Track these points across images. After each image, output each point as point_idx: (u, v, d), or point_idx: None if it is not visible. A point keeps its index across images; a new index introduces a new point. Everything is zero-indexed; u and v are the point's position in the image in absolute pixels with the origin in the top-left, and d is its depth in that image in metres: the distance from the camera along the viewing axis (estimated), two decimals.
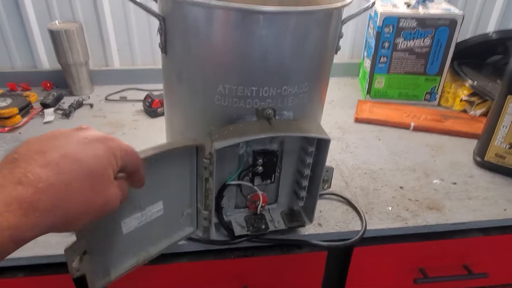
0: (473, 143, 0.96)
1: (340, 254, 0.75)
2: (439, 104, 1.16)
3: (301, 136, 0.58)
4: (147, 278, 0.68)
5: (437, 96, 1.16)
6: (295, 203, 0.66)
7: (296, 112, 0.58)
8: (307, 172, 0.59)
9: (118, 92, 1.19)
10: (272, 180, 0.61)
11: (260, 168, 0.59)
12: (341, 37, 0.60)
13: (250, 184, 0.61)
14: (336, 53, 0.61)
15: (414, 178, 0.82)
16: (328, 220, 0.69)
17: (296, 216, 0.65)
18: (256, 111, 0.55)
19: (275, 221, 0.65)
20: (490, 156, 0.84)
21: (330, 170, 0.63)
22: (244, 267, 0.69)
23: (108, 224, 0.48)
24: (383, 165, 0.87)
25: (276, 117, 0.56)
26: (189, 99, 0.57)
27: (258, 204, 0.63)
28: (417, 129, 1.02)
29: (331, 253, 0.72)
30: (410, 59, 1.11)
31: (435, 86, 1.14)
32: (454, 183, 0.81)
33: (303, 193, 0.62)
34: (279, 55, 0.52)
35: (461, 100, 1.09)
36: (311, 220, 0.64)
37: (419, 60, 1.11)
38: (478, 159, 0.86)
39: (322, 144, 0.57)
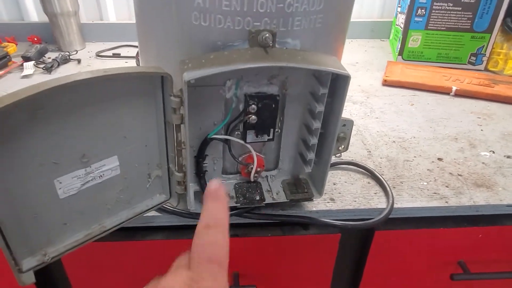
0: None
1: (358, 238, 0.60)
2: (486, 69, 0.97)
3: (308, 71, 0.42)
4: (109, 257, 0.55)
5: (484, 59, 0.96)
6: (301, 170, 0.51)
7: (304, 41, 0.42)
8: (317, 125, 0.44)
9: (112, 48, 1.05)
10: (271, 136, 0.46)
11: (254, 117, 0.43)
12: None
13: (242, 141, 0.46)
14: None
15: (457, 149, 0.65)
16: (344, 195, 0.54)
17: (302, 187, 0.50)
18: (249, 34, 0.40)
19: (274, 191, 0.50)
20: None
21: (348, 123, 0.47)
22: (234, 249, 0.55)
23: (34, 180, 0.34)
24: (417, 133, 0.70)
25: (277, 45, 0.40)
26: (159, 19, 0.42)
27: (252, 168, 0.48)
28: (459, 94, 0.84)
29: (345, 236, 0.57)
30: (454, 11, 0.92)
31: (483, 46, 0.95)
32: (508, 157, 0.63)
33: (311, 155, 0.47)
34: None
35: None
36: (320, 192, 0.49)
37: (465, 13, 0.92)
38: None
39: (338, 85, 0.41)
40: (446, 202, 0.53)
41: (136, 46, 1.07)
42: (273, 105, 0.44)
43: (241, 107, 0.44)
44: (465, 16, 0.92)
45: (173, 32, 0.42)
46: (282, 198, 0.49)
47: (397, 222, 0.56)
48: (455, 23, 0.93)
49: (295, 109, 0.46)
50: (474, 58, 0.96)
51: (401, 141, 0.67)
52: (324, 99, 0.42)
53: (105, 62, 0.99)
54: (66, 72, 0.91)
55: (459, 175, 0.58)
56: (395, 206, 0.52)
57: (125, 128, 0.39)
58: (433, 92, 0.85)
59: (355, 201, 0.53)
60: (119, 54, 1.02)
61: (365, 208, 0.52)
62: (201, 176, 0.48)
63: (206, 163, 0.48)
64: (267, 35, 0.39)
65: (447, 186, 0.56)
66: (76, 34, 1.03)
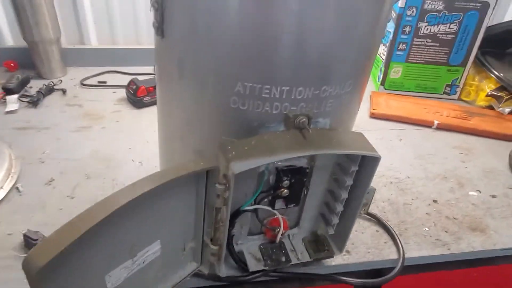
0: (504, 146, 0.85)
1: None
2: (459, 99, 1.05)
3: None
4: None
5: (458, 89, 1.04)
6: (320, 227, 0.54)
7: (333, 118, 0.45)
8: (344, 195, 0.47)
9: (96, 75, 1.02)
10: (298, 203, 0.48)
11: (286, 191, 0.45)
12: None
13: (270, 208, 0.48)
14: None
15: (448, 189, 0.71)
16: (357, 246, 0.57)
17: (322, 244, 0.53)
18: (285, 118, 0.42)
19: (298, 251, 0.52)
20: None
21: (371, 191, 0.51)
22: None
23: (87, 282, 0.34)
24: (410, 171, 0.75)
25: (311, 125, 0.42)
26: (193, 99, 0.43)
27: (278, 231, 0.50)
28: (440, 127, 0.90)
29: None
30: (433, 47, 0.98)
31: (457, 78, 1.02)
32: (494, 196, 0.70)
33: (335, 220, 0.49)
34: (322, 39, 0.37)
35: (487, 95, 0.98)
36: (341, 249, 0.52)
37: (442, 48, 0.98)
38: None
39: (367, 162, 0.44)
40: (449, 249, 0.58)
41: (121, 72, 1.04)
42: (304, 178, 0.46)
43: (271, 178, 0.46)
44: (442, 51, 0.99)
45: (208, 112, 0.43)
46: (306, 257, 0.51)
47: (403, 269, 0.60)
48: (433, 57, 1.00)
49: (321, 178, 0.48)
50: (449, 89, 1.04)
51: (398, 182, 0.72)
52: (353, 174, 0.45)
53: (91, 91, 0.95)
54: (52, 105, 0.87)
55: (454, 218, 0.64)
56: (406, 256, 0.56)
57: (169, 215, 0.39)
58: (417, 125, 0.91)
59: (368, 252, 0.56)
60: (105, 82, 0.99)
61: (378, 260, 0.55)
62: (229, 242, 0.49)
63: (235, 229, 0.49)
64: (303, 119, 0.41)
65: (446, 231, 0.61)
66: (57, 61, 0.99)
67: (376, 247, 0.57)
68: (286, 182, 0.45)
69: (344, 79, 0.42)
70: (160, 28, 0.42)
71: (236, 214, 0.47)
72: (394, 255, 0.56)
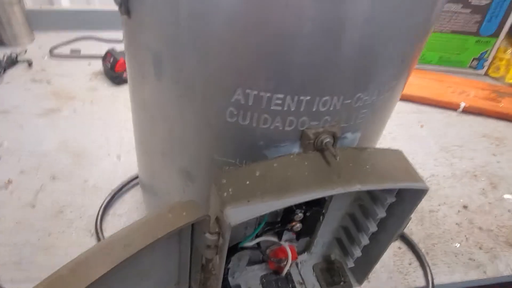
0: None
1: None
2: (486, 74, 0.92)
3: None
4: None
5: (486, 64, 0.91)
6: (334, 251, 0.44)
7: (364, 131, 0.33)
8: (372, 228, 0.36)
9: (68, 42, 0.87)
10: (312, 236, 0.38)
11: (299, 225, 0.35)
12: None
13: (276, 240, 0.37)
14: None
15: (479, 191, 0.61)
16: (376, 269, 0.48)
17: (338, 274, 0.43)
18: (303, 136, 0.30)
19: (308, 283, 0.43)
20: None
21: (407, 221, 0.40)
22: None
23: None
24: (434, 168, 0.64)
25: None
26: (176, 107, 0.31)
27: (285, 264, 0.40)
28: (467, 110, 0.79)
29: None
30: (463, 14, 0.84)
31: (487, 51, 0.89)
32: None
33: (357, 253, 0.39)
34: (365, 30, 0.25)
35: None
36: (361, 282, 0.43)
37: (473, 15, 0.84)
38: None
39: (408, 192, 0.33)
40: (484, 272, 0.49)
41: (97, 39, 0.90)
42: (322, 210, 0.35)
43: (280, 210, 0.35)
44: (473, 19, 0.85)
45: (195, 125, 0.31)
46: None
47: None
48: (462, 26, 0.86)
49: (342, 202, 0.38)
50: (476, 63, 0.91)
51: None
52: (387, 206, 0.34)
53: (62, 63, 0.81)
54: (14, 81, 0.74)
55: (489, 230, 0.55)
56: (435, 282, 0.47)
57: (148, 271, 0.29)
58: (440, 107, 0.79)
59: (390, 277, 0.47)
60: (79, 51, 0.85)
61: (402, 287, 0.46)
62: (224, 278, 0.39)
63: (231, 262, 0.39)
64: (327, 140, 0.29)
65: (480, 248, 0.52)
66: (21, 25, 0.83)
67: (399, 271, 0.48)
68: (299, 216, 0.34)
69: (385, 83, 0.30)
70: (124, 4, 0.29)
71: (232, 251, 0.36)
72: (420, 281, 0.47)
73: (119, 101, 0.71)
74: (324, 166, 0.29)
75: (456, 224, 0.55)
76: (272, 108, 0.28)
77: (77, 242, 0.47)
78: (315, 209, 0.34)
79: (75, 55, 0.83)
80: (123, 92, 0.74)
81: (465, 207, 0.58)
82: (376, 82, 0.29)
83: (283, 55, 0.25)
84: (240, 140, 0.30)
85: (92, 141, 0.61)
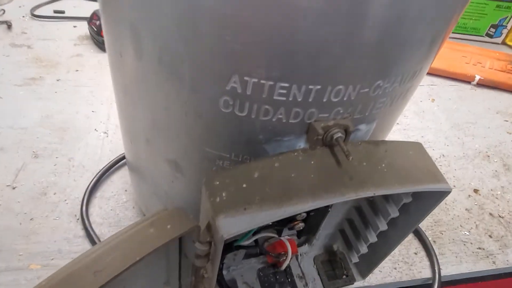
0: None
1: None
2: (503, 43, 0.86)
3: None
4: None
5: (504, 31, 0.84)
6: (337, 241, 0.41)
7: (380, 122, 0.29)
8: (382, 227, 0.33)
9: (51, 1, 0.80)
10: (315, 234, 0.35)
11: (301, 224, 0.31)
12: None
13: (275, 235, 0.34)
14: None
15: (491, 174, 0.57)
16: None
17: (340, 266, 0.41)
18: (310, 130, 0.25)
19: (308, 277, 0.40)
20: None
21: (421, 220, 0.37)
22: None
23: None
24: (445, 148, 0.60)
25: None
26: (160, 93, 0.26)
27: (284, 259, 0.37)
28: (481, 83, 0.73)
29: None
30: None
31: (506, 17, 0.82)
32: None
33: (363, 249, 0.36)
34: (389, 8, 0.20)
35: None
36: (364, 276, 0.40)
37: None
38: None
39: (426, 193, 0.29)
40: (494, 262, 0.46)
41: None
42: (328, 209, 0.31)
43: None
44: None
45: (183, 115, 0.26)
46: (318, 286, 0.39)
47: None
48: None
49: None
50: (493, 30, 0.84)
51: None
52: (400, 205, 0.30)
53: (44, 25, 0.74)
54: None
55: (500, 216, 0.52)
56: (442, 273, 0.44)
57: (128, 282, 0.25)
58: (453, 79, 0.74)
59: (395, 268, 0.45)
60: (63, 12, 0.78)
61: (408, 279, 0.44)
62: (219, 272, 0.36)
63: (226, 257, 0.36)
64: (339, 135, 0.25)
65: (490, 236, 0.49)
66: None
67: (405, 261, 0.45)
68: (302, 215, 0.30)
69: (410, 68, 0.25)
70: None
71: (228, 249, 0.33)
72: (427, 272, 0.45)
73: (107, 69, 0.66)
74: (334, 166, 0.25)
75: (466, 209, 0.52)
76: (275, 98, 0.23)
77: (61, 227, 0.44)
78: (320, 208, 0.30)
79: (59, 15, 0.76)
80: None
81: (476, 191, 0.54)
82: (399, 68, 0.24)
83: (291, 35, 0.20)
84: (236, 133, 0.26)
85: (77, 115, 0.57)
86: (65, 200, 0.46)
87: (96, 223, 0.44)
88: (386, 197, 0.31)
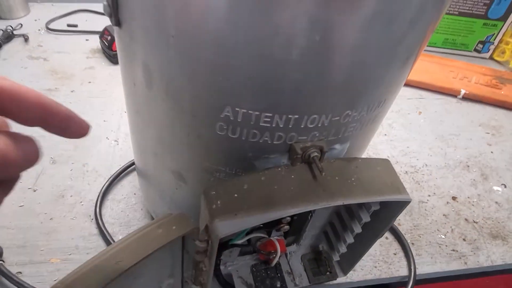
0: None
1: None
2: (490, 57, 0.91)
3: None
4: None
5: (491, 47, 0.89)
6: (322, 242, 0.46)
7: (354, 142, 0.34)
8: (357, 230, 0.38)
9: (65, 15, 0.85)
10: (299, 236, 0.40)
11: (286, 227, 0.36)
12: None
13: (265, 236, 0.39)
14: None
15: (469, 182, 0.62)
16: (363, 258, 0.50)
17: (324, 264, 0.46)
18: (291, 149, 0.31)
19: (295, 273, 0.45)
20: None
21: (390, 225, 0.42)
22: None
23: None
24: (428, 158, 0.65)
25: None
26: (166, 116, 0.31)
27: (274, 256, 0.42)
28: (467, 97, 0.78)
29: None
30: None
31: (493, 34, 0.87)
32: None
33: (343, 249, 0.41)
34: (356, 57, 0.25)
35: None
36: (346, 272, 0.45)
37: None
38: None
39: (393, 202, 0.34)
40: (465, 263, 0.51)
41: (95, 12, 0.88)
42: (310, 214, 0.36)
43: None
44: (482, 1, 0.82)
45: (185, 135, 0.31)
46: (304, 281, 0.45)
47: None
48: (470, 8, 0.83)
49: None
50: (481, 46, 0.89)
51: (414, 172, 0.63)
52: (371, 211, 0.36)
53: (59, 38, 0.80)
54: (11, 57, 0.73)
55: (474, 222, 0.56)
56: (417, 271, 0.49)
57: (140, 273, 0.31)
58: (440, 93, 0.79)
59: (375, 267, 0.50)
60: (76, 25, 0.83)
61: (386, 277, 0.49)
62: (216, 268, 0.42)
63: (223, 254, 0.41)
64: (315, 154, 0.30)
65: (464, 239, 0.54)
66: None
67: (385, 260, 0.50)
68: (287, 219, 0.35)
69: (374, 100, 0.30)
70: (115, 15, 0.28)
71: (223, 247, 0.38)
72: (404, 270, 0.50)
73: (117, 81, 0.71)
74: (310, 179, 0.30)
75: (444, 215, 0.57)
76: (261, 124, 0.28)
77: (78, 226, 0.49)
78: (302, 214, 0.36)
79: (72, 29, 0.82)
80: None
81: (454, 198, 0.59)
82: (365, 101, 0.29)
83: (272, 78, 0.25)
84: (230, 151, 0.31)
85: (90, 124, 0.62)
86: (81, 202, 0.52)
87: (109, 223, 0.49)
88: (360, 205, 0.36)
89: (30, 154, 0.20)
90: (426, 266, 0.51)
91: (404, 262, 0.51)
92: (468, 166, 0.65)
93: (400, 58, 0.28)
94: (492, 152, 0.68)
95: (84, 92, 0.68)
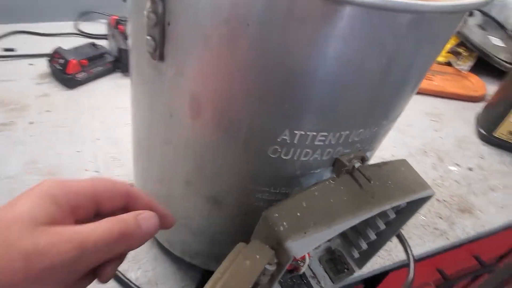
0: (470, 108, 0.87)
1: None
2: None
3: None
4: None
5: None
6: (334, 242, 0.49)
7: (375, 147, 0.37)
8: (382, 227, 0.41)
9: None
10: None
11: None
12: None
13: None
14: None
15: (431, 166, 0.71)
16: None
17: (341, 262, 0.49)
18: (336, 163, 0.33)
19: (319, 276, 0.47)
20: (501, 133, 0.75)
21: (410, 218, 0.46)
22: None
23: None
24: (393, 149, 0.72)
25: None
26: (212, 146, 0.31)
27: (303, 264, 0.44)
28: None
29: None
30: None
31: None
32: (470, 169, 0.72)
33: (364, 245, 0.45)
34: (406, 72, 0.28)
35: (447, 51, 0.97)
36: (361, 266, 0.49)
37: None
38: (484, 132, 0.78)
39: (418, 199, 0.38)
40: (447, 238, 0.58)
41: (33, 33, 0.80)
42: None
43: None
44: None
45: (233, 161, 0.32)
46: (328, 282, 0.47)
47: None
48: None
49: None
50: None
51: None
52: (399, 208, 0.39)
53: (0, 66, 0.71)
54: None
55: (444, 200, 0.64)
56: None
57: None
58: None
59: (379, 256, 0.54)
60: (13, 49, 0.75)
61: (390, 263, 0.54)
62: None
63: None
64: (358, 164, 0.33)
65: (440, 217, 0.61)
66: None
67: (385, 249, 0.55)
68: None
69: (400, 110, 0.34)
70: (160, 50, 0.27)
71: None
72: (402, 255, 0.55)
73: (81, 106, 0.66)
74: (357, 189, 0.33)
75: None
76: (315, 143, 0.30)
77: None
78: None
79: (11, 54, 0.73)
80: (82, 96, 0.68)
81: None
82: (394, 111, 0.33)
83: (333, 101, 0.27)
84: (278, 171, 0.32)
85: (62, 156, 0.57)
86: None
87: None
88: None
89: (154, 230, 0.27)
90: (418, 247, 0.57)
91: (400, 247, 0.56)
92: (426, 152, 0.73)
93: (419, 82, 0.32)
94: (441, 137, 0.78)
95: (44, 123, 0.62)
